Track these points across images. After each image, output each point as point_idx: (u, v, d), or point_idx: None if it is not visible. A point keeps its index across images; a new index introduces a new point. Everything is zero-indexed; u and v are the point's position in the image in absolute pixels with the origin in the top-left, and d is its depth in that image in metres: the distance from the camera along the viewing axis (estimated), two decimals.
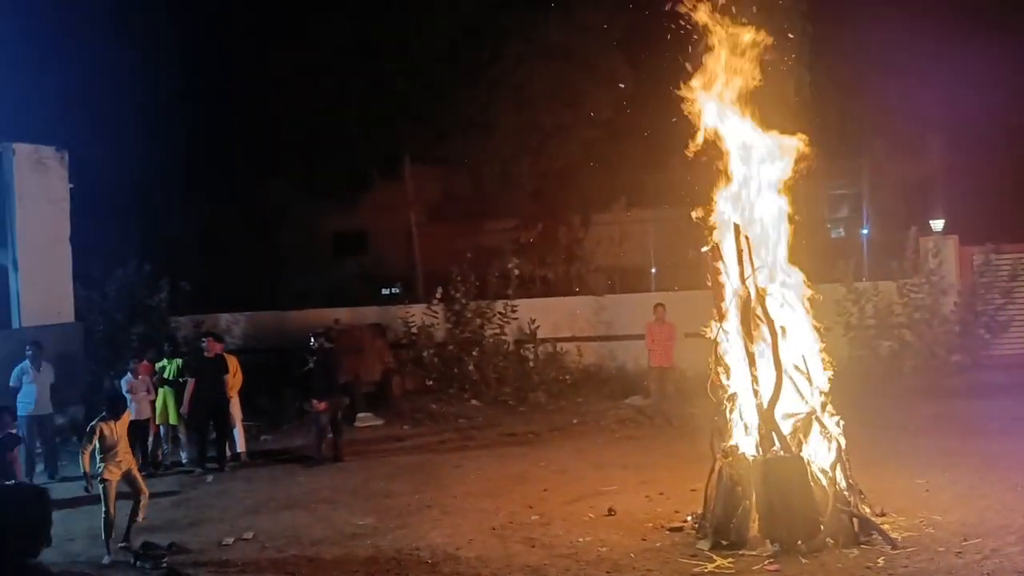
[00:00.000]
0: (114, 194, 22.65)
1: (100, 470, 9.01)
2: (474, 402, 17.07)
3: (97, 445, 9.02)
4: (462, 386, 17.56)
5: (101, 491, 8.97)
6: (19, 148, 15.73)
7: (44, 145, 16.18)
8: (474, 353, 17.84)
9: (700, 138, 8.79)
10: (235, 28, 25.66)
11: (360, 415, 15.92)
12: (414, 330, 18.48)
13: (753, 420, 8.36)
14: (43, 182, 16.01)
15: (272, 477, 12.24)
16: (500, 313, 18.11)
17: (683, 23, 8.95)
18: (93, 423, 9.15)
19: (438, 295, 18.61)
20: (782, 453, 8.09)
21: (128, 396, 11.92)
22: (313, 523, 9.75)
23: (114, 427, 9.14)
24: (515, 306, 18.16)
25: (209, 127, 26.02)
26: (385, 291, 30.90)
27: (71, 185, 16.44)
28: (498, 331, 18.07)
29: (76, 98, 21.91)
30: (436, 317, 18.47)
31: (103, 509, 8.93)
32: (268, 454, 13.83)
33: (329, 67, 25.13)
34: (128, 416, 9.70)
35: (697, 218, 8.87)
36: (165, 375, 13.26)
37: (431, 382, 17.87)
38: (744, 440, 8.45)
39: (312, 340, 13.41)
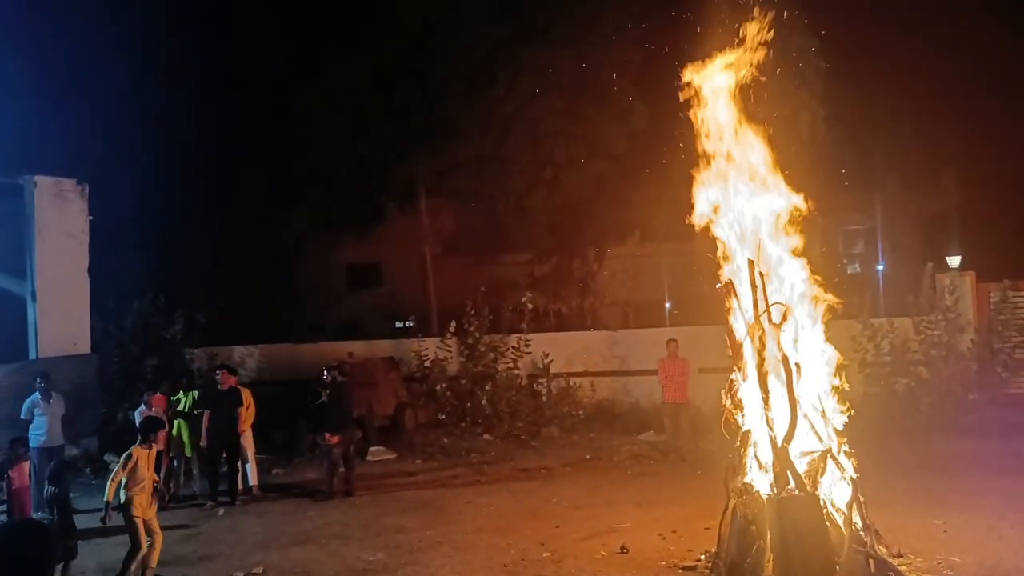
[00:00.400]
0: (130, 225, 22.89)
1: (126, 503, 8.72)
2: (486, 436, 17.00)
3: (124, 479, 8.73)
4: (475, 420, 17.51)
5: (129, 526, 8.72)
6: (40, 181, 15.89)
7: (65, 178, 16.34)
8: (487, 387, 17.81)
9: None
10: (253, 62, 26.01)
11: (372, 449, 15.88)
12: (427, 364, 18.49)
13: (768, 458, 8.27)
14: (63, 214, 16.16)
15: (283, 511, 12.19)
16: (513, 347, 18.11)
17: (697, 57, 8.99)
18: (129, 450, 8.90)
19: (452, 329, 18.64)
20: (797, 492, 8.00)
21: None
22: (324, 558, 9.69)
23: (148, 457, 8.94)
24: (528, 340, 18.15)
25: (225, 159, 26.31)
26: (399, 324, 30.99)
27: (90, 217, 16.58)
28: (511, 365, 18.05)
29: (96, 131, 22.20)
30: (449, 351, 18.47)
31: (132, 544, 8.73)
32: (280, 487, 13.78)
33: (346, 100, 25.42)
34: (155, 451, 9.44)
35: (711, 254, 8.84)
36: (180, 407, 13.27)
37: (444, 416, 17.84)
38: (759, 478, 8.35)
39: (325, 373, 13.42)
